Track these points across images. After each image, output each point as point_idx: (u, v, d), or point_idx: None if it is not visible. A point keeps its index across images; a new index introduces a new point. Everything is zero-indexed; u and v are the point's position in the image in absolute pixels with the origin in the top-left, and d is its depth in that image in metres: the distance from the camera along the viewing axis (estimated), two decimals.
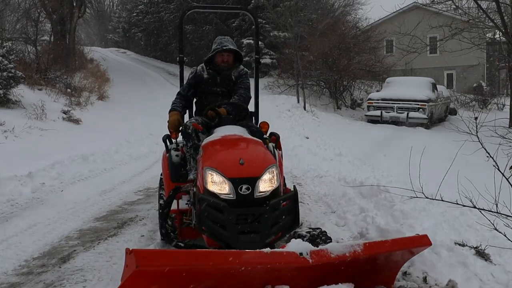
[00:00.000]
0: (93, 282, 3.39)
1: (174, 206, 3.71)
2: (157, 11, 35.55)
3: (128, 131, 12.13)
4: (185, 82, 4.55)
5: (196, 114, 4.48)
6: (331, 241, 3.47)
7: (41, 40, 18.63)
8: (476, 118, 3.29)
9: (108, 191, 6.43)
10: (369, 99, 17.57)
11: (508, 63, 18.61)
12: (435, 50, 22.73)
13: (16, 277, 3.52)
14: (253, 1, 23.95)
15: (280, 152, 4.34)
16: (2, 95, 11.28)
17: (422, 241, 2.84)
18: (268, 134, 4.27)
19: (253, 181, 3.04)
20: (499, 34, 15.38)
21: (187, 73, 4.59)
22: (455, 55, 12.44)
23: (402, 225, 4.34)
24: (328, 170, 7.89)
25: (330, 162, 9.05)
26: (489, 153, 3.22)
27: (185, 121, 4.30)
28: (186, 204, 3.70)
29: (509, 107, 16.91)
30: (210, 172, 3.09)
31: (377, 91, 19.84)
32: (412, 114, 16.08)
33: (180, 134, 4.11)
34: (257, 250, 2.49)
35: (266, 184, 3.10)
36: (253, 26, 5.17)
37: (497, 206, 3.16)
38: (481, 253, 3.67)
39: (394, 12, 22.69)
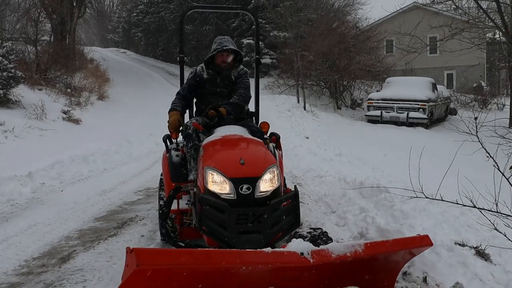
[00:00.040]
0: (93, 282, 3.38)
1: (174, 206, 3.71)
2: (157, 11, 35.55)
3: (128, 131, 12.13)
4: (185, 82, 4.55)
5: (196, 114, 4.47)
6: (332, 242, 3.47)
7: (41, 40, 18.61)
8: (476, 118, 3.29)
9: (108, 191, 6.43)
10: (369, 99, 17.58)
11: (508, 63, 18.62)
12: (435, 50, 22.72)
13: (16, 277, 3.52)
14: (253, 1, 23.95)
15: (280, 152, 4.34)
16: (2, 95, 11.28)
17: (423, 242, 2.84)
18: (268, 134, 4.27)
19: (253, 181, 3.04)
20: (499, 34, 15.38)
21: (187, 73, 4.59)
22: (455, 55, 12.45)
23: (402, 225, 4.33)
24: (328, 170, 7.89)
25: (330, 162, 9.05)
26: (489, 153, 3.22)
27: (185, 121, 4.30)
28: (186, 204, 3.70)
29: (509, 107, 16.92)
30: (210, 172, 3.09)
31: (377, 91, 19.84)
32: (412, 114, 16.09)
33: (180, 134, 4.11)
34: (258, 250, 2.49)
35: (266, 184, 3.09)
36: (253, 26, 5.17)
37: (497, 206, 3.16)
38: (481, 253, 3.67)
39: (394, 12, 22.67)
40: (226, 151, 3.37)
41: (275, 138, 4.28)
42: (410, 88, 16.89)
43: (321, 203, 5.77)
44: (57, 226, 4.81)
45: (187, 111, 4.56)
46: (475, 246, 3.77)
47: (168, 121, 4.19)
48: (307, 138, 12.26)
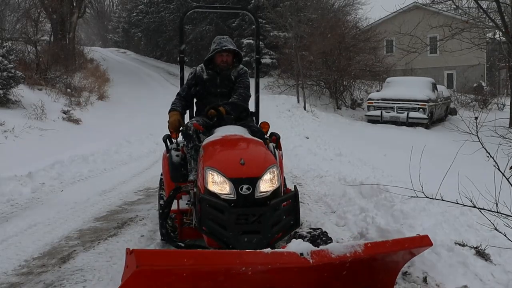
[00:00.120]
0: (93, 282, 3.38)
1: (174, 206, 3.71)
2: (157, 11, 35.55)
3: (128, 131, 12.13)
4: (185, 82, 4.54)
5: (196, 115, 4.47)
6: (331, 242, 3.46)
7: (41, 40, 18.62)
8: (476, 118, 3.29)
9: (108, 191, 6.43)
10: (369, 99, 17.58)
11: (508, 63, 18.63)
12: (435, 50, 22.72)
13: (16, 277, 3.52)
14: (253, 1, 23.95)
15: (280, 152, 4.34)
16: (2, 95, 11.27)
17: (423, 242, 2.84)
18: (268, 134, 4.27)
19: (253, 181, 3.03)
20: (499, 34, 15.37)
21: (187, 73, 4.58)
22: (455, 55, 12.46)
23: (402, 225, 4.33)
24: (328, 170, 7.88)
25: (330, 162, 9.04)
26: (489, 153, 3.22)
27: (185, 121, 4.30)
28: (187, 204, 3.70)
29: (509, 107, 16.91)
30: (210, 172, 3.09)
31: (377, 91, 19.84)
32: (412, 114, 16.09)
33: (180, 134, 4.11)
34: (258, 250, 2.49)
35: (266, 184, 3.09)
36: (253, 26, 5.16)
37: (497, 206, 3.16)
38: (481, 253, 3.67)
39: (394, 12, 22.68)
40: (226, 151, 3.36)
41: (275, 138, 4.28)
42: (410, 88, 16.89)
43: (321, 203, 5.77)
44: (57, 226, 4.81)
45: (187, 111, 4.57)
46: (475, 246, 3.77)
47: (168, 121, 4.19)
48: (307, 138, 12.25)
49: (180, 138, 4.16)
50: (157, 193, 4.72)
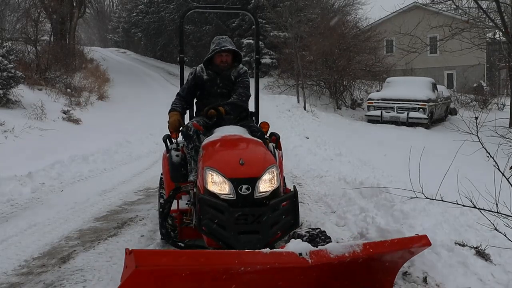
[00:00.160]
0: (93, 282, 3.38)
1: (174, 206, 3.71)
2: (157, 11, 35.57)
3: (128, 131, 12.13)
4: (185, 82, 4.54)
5: (196, 115, 4.47)
6: (330, 240, 3.47)
7: (41, 40, 18.63)
8: (476, 118, 3.29)
9: (108, 191, 6.43)
10: (369, 99, 17.58)
11: (508, 63, 18.62)
12: (435, 50, 22.75)
13: (16, 277, 3.52)
14: (253, 1, 23.96)
15: (280, 152, 4.34)
16: (2, 95, 11.28)
17: (421, 241, 2.84)
18: (268, 134, 4.27)
19: (253, 181, 3.04)
20: (499, 34, 15.37)
21: (187, 73, 4.59)
22: (455, 55, 12.45)
23: (402, 225, 4.33)
24: (328, 170, 7.88)
25: (330, 162, 9.04)
26: (489, 153, 3.22)
27: (185, 121, 4.30)
28: (186, 204, 3.70)
29: (509, 107, 16.91)
30: (210, 172, 3.09)
31: (377, 91, 19.84)
32: (412, 114, 16.09)
33: (180, 134, 4.11)
34: (257, 250, 2.49)
35: (266, 184, 3.09)
36: (253, 26, 5.16)
37: (497, 206, 3.15)
38: (481, 253, 3.67)
39: (394, 12, 22.69)
40: (226, 152, 3.37)
41: (275, 138, 4.28)
42: (410, 88, 16.89)
43: (321, 203, 5.77)
44: (57, 226, 4.81)
45: (187, 111, 4.57)
46: (475, 246, 3.77)
47: (168, 122, 4.19)
48: (307, 138, 12.25)
49: (180, 138, 4.17)
50: (157, 193, 4.72)
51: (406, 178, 3.69)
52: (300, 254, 2.49)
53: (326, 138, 12.33)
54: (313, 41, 19.40)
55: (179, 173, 4.00)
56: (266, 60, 23.66)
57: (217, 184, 3.05)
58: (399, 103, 16.43)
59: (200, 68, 4.37)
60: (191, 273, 2.28)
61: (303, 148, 10.37)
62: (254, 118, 4.66)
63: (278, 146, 4.32)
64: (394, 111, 16.46)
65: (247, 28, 24.96)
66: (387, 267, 2.92)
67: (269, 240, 3.02)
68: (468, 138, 3.46)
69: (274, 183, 3.14)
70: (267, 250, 2.49)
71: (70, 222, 4.96)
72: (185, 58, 5.01)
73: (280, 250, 2.58)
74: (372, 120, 16.76)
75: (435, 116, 17.37)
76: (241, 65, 4.40)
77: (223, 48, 4.19)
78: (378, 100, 16.99)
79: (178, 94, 4.43)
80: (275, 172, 3.16)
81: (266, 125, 4.29)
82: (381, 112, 16.51)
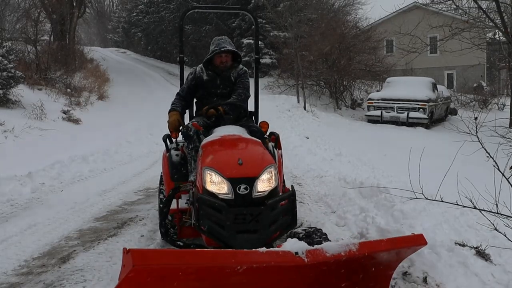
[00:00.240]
0: (93, 282, 3.38)
1: (174, 205, 3.72)
2: (157, 11, 35.55)
3: (128, 131, 12.14)
4: (184, 82, 4.55)
5: (196, 115, 4.48)
6: (326, 237, 3.48)
7: (41, 40, 18.63)
8: (476, 118, 3.28)
9: (108, 191, 6.43)
10: (369, 99, 17.58)
11: (508, 63, 18.63)
12: (435, 50, 22.75)
13: (16, 277, 3.52)
14: (253, 1, 23.96)
15: (280, 151, 4.35)
16: (2, 95, 11.28)
17: (417, 241, 2.84)
18: (267, 134, 4.28)
19: (251, 181, 3.05)
20: (499, 34, 15.38)
21: (187, 73, 4.59)
22: (455, 55, 12.42)
23: (402, 225, 4.33)
24: (328, 170, 7.88)
25: (330, 162, 9.04)
26: (489, 153, 3.22)
27: (184, 121, 4.31)
28: (186, 203, 3.71)
29: (509, 107, 16.91)
30: (209, 172, 3.10)
31: (377, 91, 19.85)
32: (412, 114, 16.09)
33: (180, 134, 4.12)
34: (253, 249, 2.50)
35: (264, 184, 3.11)
36: (253, 26, 5.17)
37: (497, 206, 3.15)
38: (481, 253, 3.67)
39: (394, 12, 22.70)
40: (225, 151, 3.38)
41: (274, 137, 4.29)
42: (410, 88, 16.89)
43: (321, 203, 5.77)
44: (57, 226, 4.81)
45: (187, 111, 4.57)
46: (475, 246, 3.77)
47: (168, 121, 4.20)
48: (307, 138, 12.25)
49: (180, 137, 4.17)
50: (157, 193, 4.73)
51: (406, 178, 3.69)
52: (296, 253, 2.50)
53: (326, 138, 12.34)
54: (313, 41, 19.40)
55: (179, 172, 4.02)
56: (266, 60, 23.66)
57: (216, 183, 3.07)
58: (399, 103, 16.43)
59: (200, 68, 4.37)
60: (187, 272, 2.29)
61: (303, 148, 10.37)
62: (253, 118, 4.67)
63: (278, 146, 4.33)
64: (394, 111, 16.47)
65: (247, 28, 24.96)
66: (384, 266, 2.92)
67: (267, 239, 3.04)
68: (468, 138, 3.46)
69: (272, 182, 3.15)
70: (263, 249, 2.50)
71: (70, 222, 4.96)
72: (185, 58, 5.02)
73: (276, 249, 2.59)
74: (372, 120, 16.77)
75: (435, 116, 17.37)
76: (241, 66, 4.41)
77: (222, 49, 4.20)
78: (378, 100, 16.99)
79: (177, 94, 4.44)
80: (273, 172, 3.18)
81: (265, 124, 4.30)
82: (381, 112, 16.51)
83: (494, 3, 9.50)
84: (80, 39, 34.69)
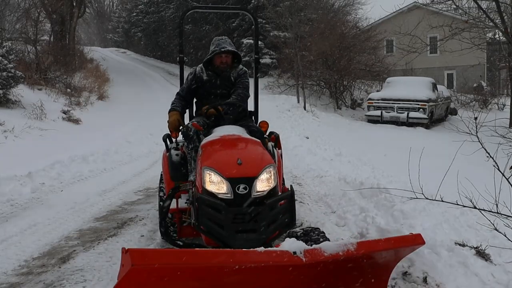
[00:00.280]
0: (93, 282, 3.39)
1: (174, 205, 3.72)
2: (157, 11, 35.57)
3: (128, 131, 12.14)
4: (184, 82, 4.55)
5: (196, 114, 4.48)
6: (324, 235, 3.48)
7: (41, 40, 18.64)
8: (476, 118, 3.28)
9: (108, 191, 6.43)
10: (369, 99, 17.58)
11: (508, 63, 18.62)
12: (436, 50, 22.75)
13: (16, 277, 3.52)
14: (253, 1, 23.96)
15: (280, 151, 4.35)
16: (2, 95, 11.28)
17: (415, 240, 2.85)
18: (267, 134, 4.28)
19: (250, 181, 3.06)
20: (499, 34, 15.38)
21: (187, 73, 4.59)
22: (455, 55, 12.42)
23: (403, 225, 4.33)
24: (328, 170, 7.88)
25: (330, 162, 9.04)
26: (489, 153, 3.22)
27: (184, 121, 4.31)
28: (186, 203, 3.71)
29: (509, 107, 16.91)
30: (208, 172, 3.11)
31: (377, 91, 19.85)
32: (412, 114, 16.09)
33: (180, 133, 4.12)
34: (251, 249, 2.50)
35: (263, 183, 3.12)
36: (253, 26, 5.18)
37: (497, 206, 3.15)
38: (481, 253, 3.67)
39: (394, 12, 22.69)
40: (224, 151, 3.39)
41: (274, 137, 4.30)
42: (410, 88, 16.89)
43: (321, 203, 5.77)
44: (57, 226, 4.81)
45: (187, 111, 4.58)
46: (475, 246, 3.77)
47: (168, 121, 4.21)
48: (307, 138, 12.25)
49: (180, 137, 4.18)
50: (157, 193, 4.73)
51: (406, 178, 3.69)
52: (295, 252, 2.51)
53: (326, 138, 12.34)
54: (313, 41, 19.40)
55: (178, 172, 4.03)
56: (266, 60, 23.66)
57: (215, 183, 3.08)
58: (399, 103, 16.43)
59: (200, 68, 4.38)
60: (186, 271, 2.30)
61: (303, 148, 10.37)
62: (253, 118, 4.68)
63: (278, 145, 4.33)
64: (394, 111, 16.47)
65: (247, 28, 24.97)
66: (382, 266, 2.93)
67: (266, 238, 3.05)
68: (468, 138, 3.46)
69: (271, 182, 3.16)
70: (261, 248, 2.50)
71: (70, 222, 4.96)
72: (185, 58, 5.02)
73: (274, 249, 2.60)
74: (372, 120, 16.77)
75: (435, 116, 17.37)
76: (240, 66, 4.41)
77: (222, 50, 4.20)
78: (378, 100, 16.99)
79: (177, 93, 4.44)
80: (272, 172, 3.19)
81: (265, 124, 4.31)
82: (381, 112, 16.52)
83: (494, 3, 9.50)
84: (80, 39, 34.71)
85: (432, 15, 13.68)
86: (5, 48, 12.09)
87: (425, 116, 16.04)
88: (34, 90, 13.58)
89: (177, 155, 4.14)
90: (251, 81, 4.45)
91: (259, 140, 3.67)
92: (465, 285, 3.17)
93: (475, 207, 3.20)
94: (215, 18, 27.82)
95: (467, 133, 3.37)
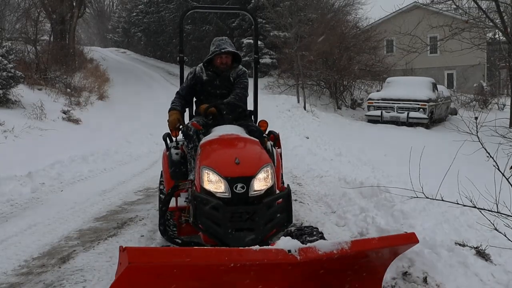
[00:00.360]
0: (93, 282, 3.39)
1: (173, 203, 3.73)
2: (157, 11, 35.56)
3: (128, 131, 12.15)
4: (184, 81, 4.56)
5: (196, 114, 4.49)
6: (317, 230, 3.49)
7: (41, 40, 18.63)
8: (476, 118, 3.29)
9: (108, 191, 6.44)
10: (369, 99, 17.58)
11: (508, 63, 18.62)
12: (436, 50, 22.77)
13: (16, 277, 3.52)
14: (253, 1, 23.95)
15: (279, 150, 4.36)
16: (1, 95, 11.28)
17: (409, 239, 2.85)
18: (266, 133, 4.29)
19: (248, 180, 3.08)
20: (499, 34, 15.38)
21: (187, 73, 4.60)
22: (456, 55, 12.44)
23: (403, 225, 4.33)
24: (328, 170, 7.88)
25: (330, 162, 9.04)
26: (489, 153, 3.22)
27: (184, 120, 4.32)
28: (185, 201, 3.72)
29: (509, 107, 16.91)
30: (206, 171, 3.13)
31: (377, 91, 19.84)
32: (412, 114, 16.09)
33: (180, 132, 4.14)
34: (246, 247, 2.52)
35: (260, 183, 3.14)
36: (253, 26, 5.19)
37: (497, 206, 3.16)
38: (481, 253, 3.67)
39: (394, 12, 22.71)
40: (222, 151, 3.41)
41: (273, 136, 4.31)
42: (411, 88, 16.89)
43: (321, 203, 5.77)
44: (57, 226, 4.81)
45: (187, 110, 4.58)
46: (475, 246, 3.77)
47: (168, 120, 4.21)
48: (307, 138, 12.25)
49: (180, 136, 4.19)
50: (157, 193, 4.74)
51: (406, 178, 3.70)
52: (289, 251, 2.52)
53: (326, 138, 12.34)
54: (313, 41, 19.39)
55: (178, 171, 4.04)
56: (266, 60, 23.65)
57: (213, 182, 3.10)
58: (399, 103, 16.43)
59: (199, 68, 4.39)
60: (182, 269, 2.31)
61: (303, 148, 10.37)
62: (252, 117, 4.68)
63: (277, 144, 4.34)
64: (394, 111, 16.46)
65: (247, 28, 24.96)
66: (376, 264, 2.94)
67: (263, 237, 3.07)
68: (468, 138, 3.46)
69: (269, 181, 3.18)
70: (257, 247, 2.52)
71: (70, 222, 4.96)
72: (185, 58, 5.03)
73: (269, 247, 2.62)
74: (372, 120, 16.76)
75: (435, 116, 17.37)
76: (240, 66, 4.43)
77: (223, 50, 4.22)
78: (378, 100, 16.99)
79: (177, 93, 4.46)
80: (269, 171, 3.21)
81: (264, 123, 4.32)
82: (381, 112, 16.51)
83: (494, 3, 9.50)
84: (80, 39, 34.71)
85: (432, 15, 13.69)
86: (5, 48, 12.09)
87: (425, 116, 16.04)
88: (34, 90, 13.58)
89: (177, 154, 4.15)
90: (251, 81, 4.46)
91: (257, 140, 3.69)
92: (465, 285, 3.17)
93: (475, 207, 3.21)
94: (215, 18, 27.81)
95: (468, 133, 3.37)
